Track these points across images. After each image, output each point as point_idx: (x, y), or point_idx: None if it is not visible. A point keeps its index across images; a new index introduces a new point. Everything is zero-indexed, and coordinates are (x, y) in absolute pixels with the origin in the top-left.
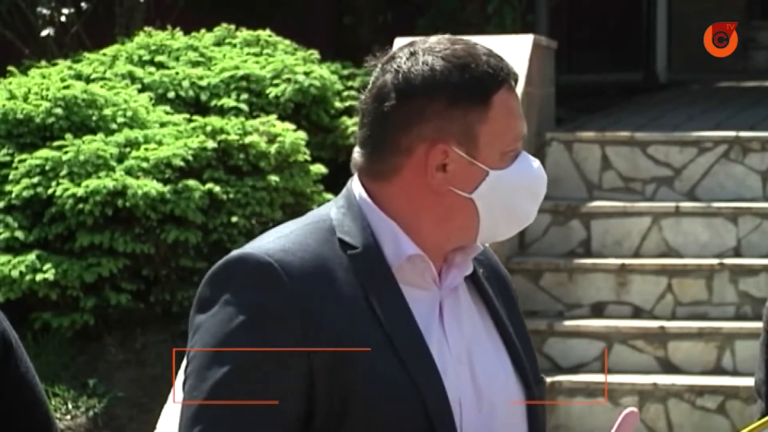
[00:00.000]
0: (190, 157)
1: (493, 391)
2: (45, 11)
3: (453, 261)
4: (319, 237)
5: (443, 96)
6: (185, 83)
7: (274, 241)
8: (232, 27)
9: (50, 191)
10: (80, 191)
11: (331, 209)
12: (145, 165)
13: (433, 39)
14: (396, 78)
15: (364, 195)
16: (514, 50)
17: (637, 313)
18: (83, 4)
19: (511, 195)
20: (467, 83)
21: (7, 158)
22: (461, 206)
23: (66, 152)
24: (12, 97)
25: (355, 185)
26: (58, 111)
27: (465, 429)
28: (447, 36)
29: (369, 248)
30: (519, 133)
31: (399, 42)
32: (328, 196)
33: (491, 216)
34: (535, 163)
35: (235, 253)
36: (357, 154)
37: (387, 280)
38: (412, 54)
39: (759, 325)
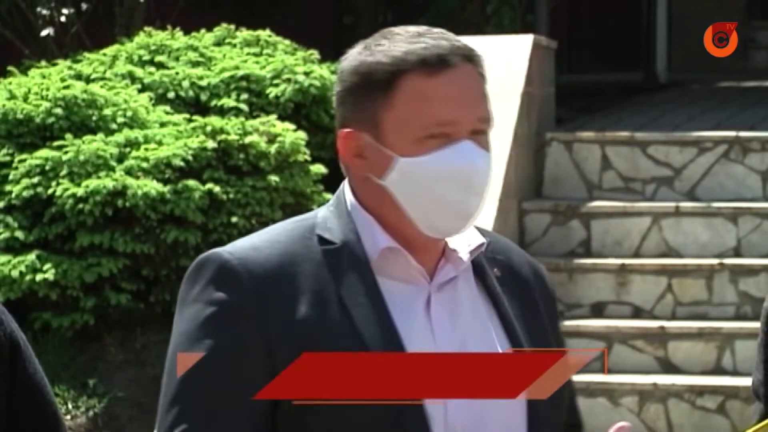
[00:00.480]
0: (190, 157)
1: None
2: (45, 11)
3: (450, 256)
4: (294, 234)
5: (355, 83)
6: (185, 83)
7: (246, 240)
8: (232, 27)
9: (50, 191)
10: (80, 191)
11: (322, 209)
12: (145, 165)
13: (399, 28)
14: (338, 69)
15: (350, 193)
16: (514, 50)
17: (637, 313)
18: (83, 4)
19: (433, 184)
20: (371, 69)
21: (7, 158)
22: (383, 194)
23: (66, 152)
24: (12, 97)
25: (346, 185)
26: (58, 111)
27: (450, 423)
28: (420, 26)
29: (348, 244)
30: (438, 119)
31: None
32: (328, 196)
33: (414, 204)
34: (470, 153)
35: (205, 253)
36: None
37: (362, 273)
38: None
39: (759, 325)
